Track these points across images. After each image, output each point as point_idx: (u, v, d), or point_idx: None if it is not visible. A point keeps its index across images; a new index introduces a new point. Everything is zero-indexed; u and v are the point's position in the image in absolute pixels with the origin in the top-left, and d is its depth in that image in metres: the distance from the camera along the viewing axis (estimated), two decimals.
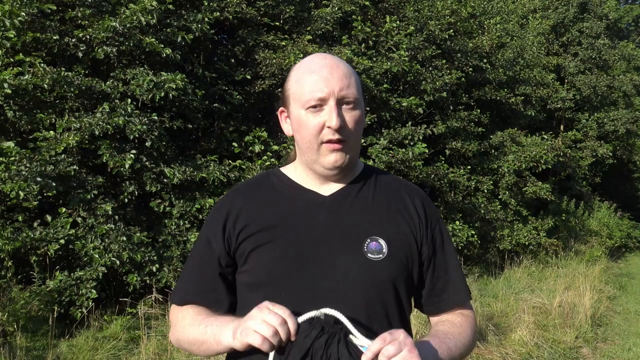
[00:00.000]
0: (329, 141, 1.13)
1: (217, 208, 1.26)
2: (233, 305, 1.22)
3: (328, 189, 1.22)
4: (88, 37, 5.24)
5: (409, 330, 1.22)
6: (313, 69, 1.15)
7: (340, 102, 1.13)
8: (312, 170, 1.21)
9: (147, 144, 5.20)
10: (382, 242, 1.16)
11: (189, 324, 1.16)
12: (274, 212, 1.19)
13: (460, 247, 7.40)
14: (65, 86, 4.88)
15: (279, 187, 1.25)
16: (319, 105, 1.12)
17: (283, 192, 1.24)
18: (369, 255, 1.13)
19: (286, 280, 1.12)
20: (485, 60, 9.14)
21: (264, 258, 1.15)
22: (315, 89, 1.12)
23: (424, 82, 7.52)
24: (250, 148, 6.03)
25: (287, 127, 1.25)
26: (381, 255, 1.14)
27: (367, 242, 1.15)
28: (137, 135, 5.03)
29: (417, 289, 1.24)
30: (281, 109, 1.26)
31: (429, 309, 1.26)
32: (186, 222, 5.45)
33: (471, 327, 1.22)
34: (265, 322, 0.95)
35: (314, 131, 1.13)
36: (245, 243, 1.17)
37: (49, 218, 4.87)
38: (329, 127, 1.11)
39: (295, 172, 1.27)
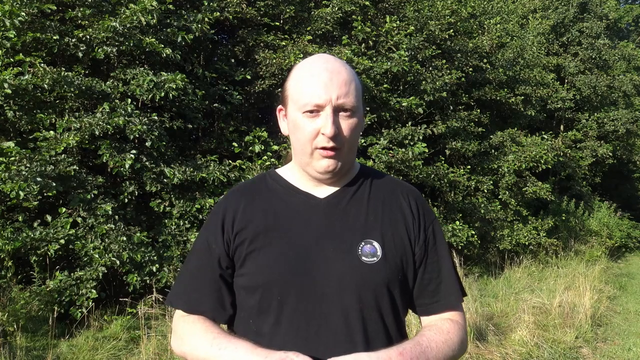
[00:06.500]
0: (323, 148, 1.13)
1: (215, 211, 1.26)
2: (235, 306, 1.21)
3: (324, 191, 1.22)
4: (88, 37, 5.24)
5: (403, 332, 1.21)
6: (314, 72, 1.13)
7: (337, 110, 1.12)
8: (306, 172, 1.21)
9: (147, 144, 5.20)
10: (377, 244, 1.15)
11: (199, 340, 1.13)
12: (270, 215, 1.19)
13: (460, 247, 7.39)
14: (65, 86, 4.88)
15: (275, 189, 1.25)
16: (315, 111, 1.12)
17: (279, 194, 1.23)
18: (364, 258, 1.13)
19: (281, 284, 1.12)
20: (485, 60, 9.14)
21: (260, 262, 1.15)
22: (313, 94, 1.11)
23: (424, 82, 7.52)
24: (250, 148, 6.03)
25: (284, 126, 1.25)
26: (375, 258, 1.14)
27: (361, 245, 1.15)
28: (137, 135, 5.03)
29: (411, 290, 1.23)
30: (280, 107, 1.25)
31: (420, 310, 1.25)
32: (186, 222, 5.45)
33: (459, 335, 1.19)
34: None
35: (309, 136, 1.13)
36: (242, 246, 1.17)
37: (49, 218, 4.87)
38: (323, 134, 1.11)
39: (291, 173, 1.27)
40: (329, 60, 1.15)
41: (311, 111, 1.12)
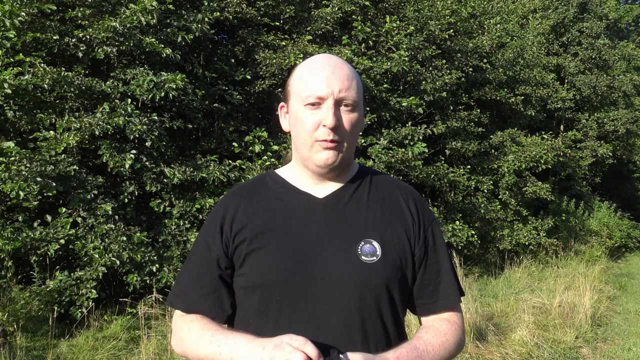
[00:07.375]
0: (324, 140, 1.13)
1: (214, 211, 1.26)
2: (234, 306, 1.22)
3: (323, 190, 1.22)
4: (88, 37, 5.24)
5: (402, 332, 1.21)
6: (316, 67, 1.16)
7: (338, 103, 1.13)
8: (306, 168, 1.21)
9: (147, 144, 5.20)
10: (376, 244, 1.15)
11: (197, 338, 1.14)
12: (269, 215, 1.20)
13: (460, 247, 7.39)
14: (65, 86, 4.88)
15: (274, 190, 1.25)
16: (317, 103, 1.13)
17: (278, 194, 1.24)
18: (363, 257, 1.13)
19: (281, 284, 1.12)
20: (485, 60, 9.14)
21: (260, 262, 1.15)
22: (316, 86, 1.13)
23: (424, 82, 7.52)
24: (250, 148, 6.03)
25: (285, 123, 1.26)
26: (375, 258, 1.14)
27: (361, 245, 1.15)
28: (137, 135, 5.03)
29: (410, 290, 1.24)
30: (282, 104, 1.27)
31: (419, 310, 1.26)
32: (186, 222, 5.45)
33: (455, 336, 1.20)
34: None
35: (309, 128, 1.13)
36: (242, 246, 1.17)
37: (49, 218, 4.87)
38: (324, 126, 1.12)
39: (290, 173, 1.27)
40: (331, 57, 1.19)
41: (313, 104, 1.13)
